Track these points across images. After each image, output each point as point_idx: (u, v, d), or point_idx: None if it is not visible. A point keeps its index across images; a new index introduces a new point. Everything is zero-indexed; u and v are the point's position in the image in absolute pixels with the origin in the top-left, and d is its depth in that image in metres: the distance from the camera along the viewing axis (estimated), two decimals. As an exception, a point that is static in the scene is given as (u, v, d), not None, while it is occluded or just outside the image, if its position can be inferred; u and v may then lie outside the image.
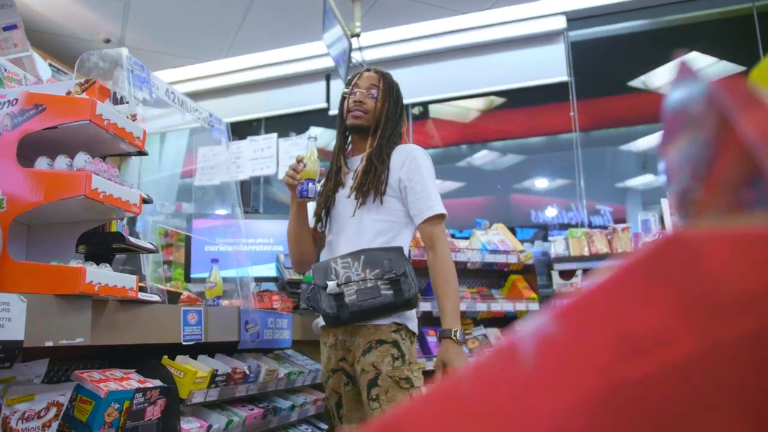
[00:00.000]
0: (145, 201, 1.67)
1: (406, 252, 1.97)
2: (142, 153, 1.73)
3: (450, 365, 1.80)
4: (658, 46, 4.69)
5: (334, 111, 5.39)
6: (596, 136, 5.05)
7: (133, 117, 1.61)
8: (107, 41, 4.85)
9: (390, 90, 2.07)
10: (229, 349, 2.10)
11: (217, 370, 1.80)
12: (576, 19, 4.60)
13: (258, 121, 5.61)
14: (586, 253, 3.38)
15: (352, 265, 1.87)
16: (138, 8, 4.24)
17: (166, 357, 1.71)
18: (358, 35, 3.73)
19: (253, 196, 4.81)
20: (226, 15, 4.58)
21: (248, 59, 5.42)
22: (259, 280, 2.81)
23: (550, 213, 5.08)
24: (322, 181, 2.13)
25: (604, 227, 3.64)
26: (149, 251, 1.75)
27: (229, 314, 2.01)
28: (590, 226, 4.86)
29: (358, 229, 1.96)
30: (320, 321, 2.02)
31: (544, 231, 4.79)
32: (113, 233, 1.59)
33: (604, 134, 5.01)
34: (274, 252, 2.84)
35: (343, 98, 2.12)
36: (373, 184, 1.96)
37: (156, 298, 1.68)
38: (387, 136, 2.04)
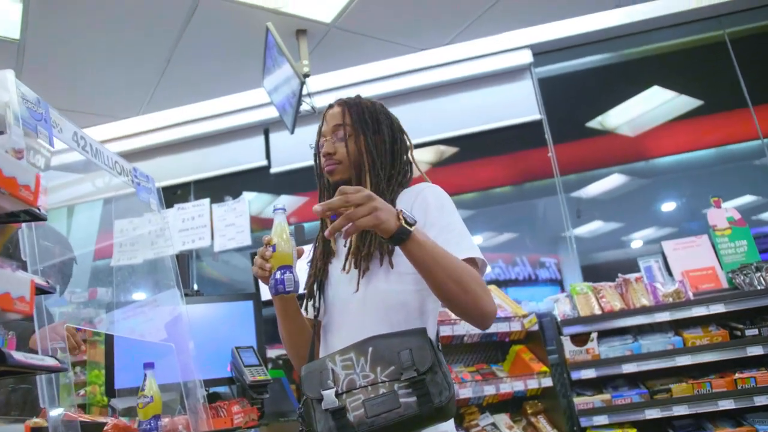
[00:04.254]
0: (42, 291, 1.05)
1: (432, 333, 1.38)
2: (36, 217, 1.09)
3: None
4: (619, 81, 4.45)
5: (276, 168, 4.76)
6: (527, 188, 4.73)
7: (17, 154, 0.98)
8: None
9: (360, 118, 1.52)
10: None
11: None
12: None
13: (185, 186, 4.89)
14: (597, 311, 2.88)
15: (356, 363, 1.26)
16: (34, 52, 3.50)
17: None
18: (307, 75, 3.20)
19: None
20: (145, 64, 3.92)
21: (170, 115, 4.72)
22: (209, 383, 2.10)
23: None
24: (310, 253, 1.54)
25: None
26: (52, 370, 1.07)
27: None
28: (537, 279, 4.59)
29: (362, 307, 1.38)
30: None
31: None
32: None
33: (534, 185, 4.64)
34: (228, 345, 2.15)
35: (316, 152, 1.59)
36: (376, 243, 1.39)
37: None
38: (385, 176, 1.48)
